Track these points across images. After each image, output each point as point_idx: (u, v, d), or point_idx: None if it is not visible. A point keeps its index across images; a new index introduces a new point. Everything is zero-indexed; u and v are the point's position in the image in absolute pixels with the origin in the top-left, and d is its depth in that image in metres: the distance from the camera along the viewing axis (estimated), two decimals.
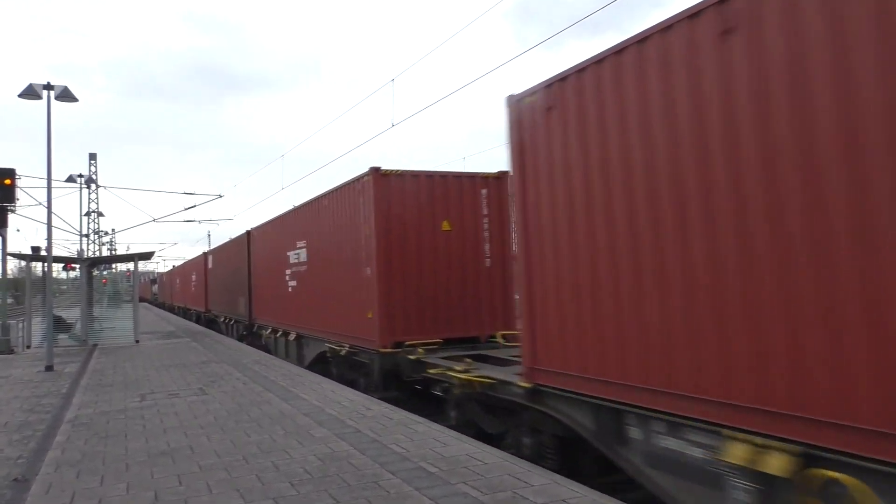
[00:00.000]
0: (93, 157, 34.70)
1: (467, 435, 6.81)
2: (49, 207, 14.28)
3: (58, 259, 20.52)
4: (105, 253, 43.37)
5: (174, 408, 8.75)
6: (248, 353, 15.76)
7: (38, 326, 20.06)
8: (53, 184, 14.60)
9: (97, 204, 34.99)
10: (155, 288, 76.84)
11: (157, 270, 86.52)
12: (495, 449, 5.94)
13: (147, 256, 21.71)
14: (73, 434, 7.35)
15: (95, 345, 19.72)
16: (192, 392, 10.04)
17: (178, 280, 45.71)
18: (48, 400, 9.90)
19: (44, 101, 14.13)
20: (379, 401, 8.66)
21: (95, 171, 33.88)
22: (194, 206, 30.93)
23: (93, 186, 33.25)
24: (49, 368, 13.62)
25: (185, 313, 40.06)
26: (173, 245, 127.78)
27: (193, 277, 34.82)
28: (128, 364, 14.26)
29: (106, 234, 40.66)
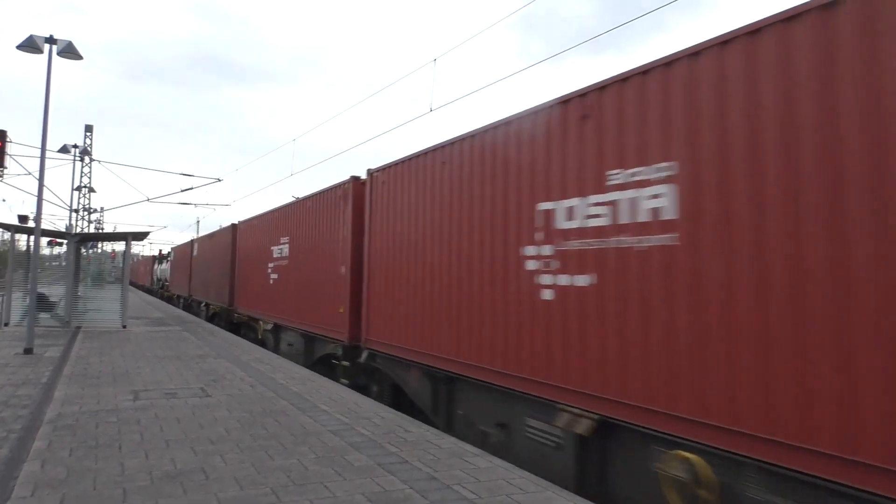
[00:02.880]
0: (89, 129, 33.08)
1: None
2: (41, 173, 12.93)
3: (46, 233, 19.11)
4: (91, 231, 41.71)
5: (174, 412, 7.48)
6: (246, 348, 14.47)
7: (17, 303, 18.61)
8: (46, 154, 13.26)
9: (90, 178, 33.43)
10: (161, 270, 45.35)
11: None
12: (584, 500, 4.76)
13: (141, 237, 20.35)
14: (54, 440, 6.09)
15: (79, 327, 18.34)
16: (192, 393, 8.78)
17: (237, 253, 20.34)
18: (26, 390, 8.60)
19: (43, 59, 12.83)
20: (415, 421, 7.45)
21: (91, 144, 32.33)
22: (191, 188, 29.54)
23: (87, 159, 31.68)
24: (28, 351, 12.26)
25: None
26: (163, 228, 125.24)
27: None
28: (116, 352, 12.93)
29: (95, 211, 39.04)
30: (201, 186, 29.70)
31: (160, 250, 55.16)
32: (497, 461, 5.76)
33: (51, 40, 12.80)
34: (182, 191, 28.98)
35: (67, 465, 5.27)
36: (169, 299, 39.19)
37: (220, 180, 29.90)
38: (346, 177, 12.16)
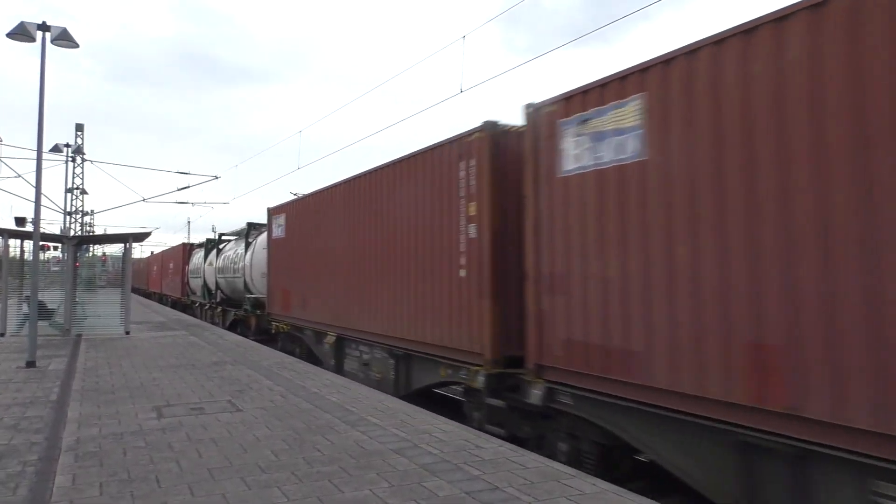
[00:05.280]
0: (79, 128, 31.81)
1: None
2: (38, 172, 11.97)
3: (45, 237, 18.11)
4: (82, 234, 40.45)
5: (207, 431, 6.63)
6: (262, 352, 13.61)
7: (13, 311, 17.59)
8: (42, 151, 12.27)
9: (82, 179, 32.28)
10: (219, 269, 23.72)
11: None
12: None
13: (142, 237, 19.41)
14: (79, 473, 5.22)
15: (79, 335, 17.38)
16: (220, 407, 7.93)
17: None
18: (35, 411, 7.71)
19: (27, 56, 11.86)
20: (482, 434, 6.63)
21: (82, 143, 31.17)
22: (188, 186, 28.56)
23: (79, 159, 30.51)
24: (31, 364, 11.34)
25: None
26: (156, 229, 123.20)
27: None
28: (125, 362, 12.04)
29: (87, 214, 37.87)
30: (198, 184, 28.71)
31: (183, 244, 33.18)
32: (601, 483, 4.95)
33: (44, 27, 11.83)
34: (178, 189, 27.98)
35: None
36: (269, 338, 17.44)
37: (217, 178, 28.93)
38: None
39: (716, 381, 4.93)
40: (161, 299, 40.36)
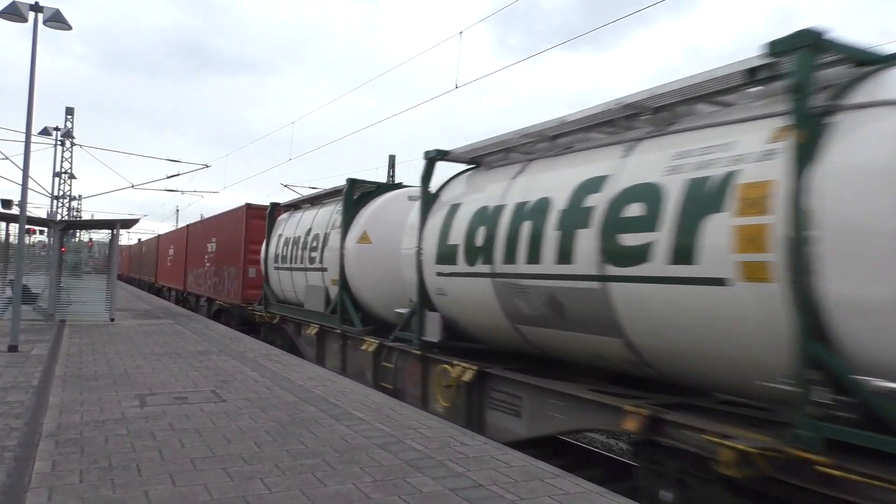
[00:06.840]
0: (69, 111, 31.48)
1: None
2: (27, 153, 11.82)
3: (31, 220, 17.91)
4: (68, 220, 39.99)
5: (191, 421, 6.58)
6: (249, 344, 13.53)
7: None
8: (31, 131, 12.11)
9: (70, 164, 31.90)
10: (367, 250, 10.56)
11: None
12: None
13: (129, 224, 19.25)
14: (59, 460, 5.16)
15: (63, 321, 17.21)
16: (204, 397, 7.86)
17: None
18: (16, 396, 7.61)
19: (14, 39, 11.72)
20: (466, 431, 6.63)
21: (72, 128, 30.82)
22: (178, 174, 28.35)
23: (68, 143, 30.17)
24: (13, 349, 11.22)
25: None
26: (144, 216, 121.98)
27: None
28: (109, 349, 11.93)
29: (75, 199, 37.52)
30: (188, 173, 28.53)
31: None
32: (585, 483, 4.95)
33: (36, 8, 11.68)
34: (168, 177, 27.76)
35: (80, 496, 4.36)
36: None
37: (207, 166, 28.73)
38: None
39: None
40: (185, 300, 25.99)
